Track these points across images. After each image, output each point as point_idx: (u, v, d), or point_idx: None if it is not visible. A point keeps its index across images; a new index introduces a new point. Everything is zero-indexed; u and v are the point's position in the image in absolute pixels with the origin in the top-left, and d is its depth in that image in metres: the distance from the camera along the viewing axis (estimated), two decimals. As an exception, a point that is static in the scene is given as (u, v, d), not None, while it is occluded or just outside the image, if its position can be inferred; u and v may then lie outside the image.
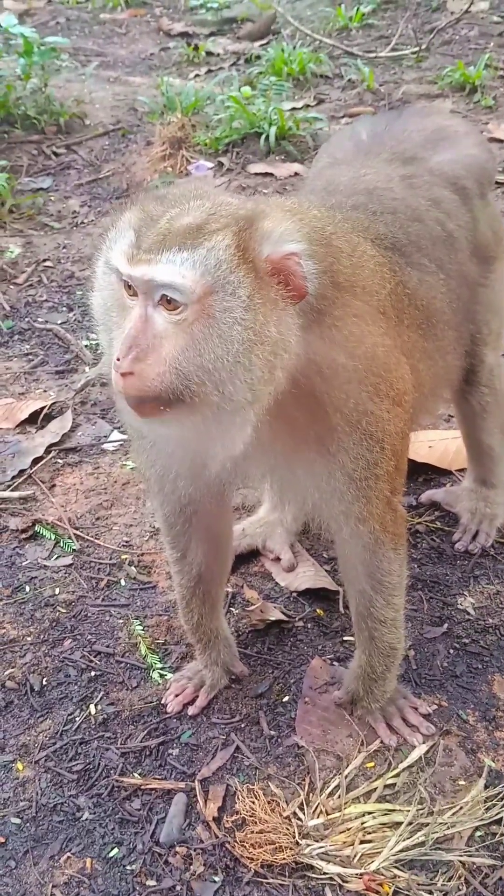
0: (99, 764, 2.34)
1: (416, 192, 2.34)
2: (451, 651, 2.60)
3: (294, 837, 2.14)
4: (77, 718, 2.46)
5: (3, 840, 2.18)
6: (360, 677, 2.34)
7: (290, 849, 2.12)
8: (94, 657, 2.63)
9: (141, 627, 2.70)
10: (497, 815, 2.18)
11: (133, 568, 2.91)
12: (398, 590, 2.19)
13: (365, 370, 1.82)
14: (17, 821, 2.22)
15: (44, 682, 2.56)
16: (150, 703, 2.49)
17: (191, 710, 2.46)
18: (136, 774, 2.31)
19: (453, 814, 2.19)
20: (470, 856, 2.11)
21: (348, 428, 1.84)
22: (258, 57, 7.57)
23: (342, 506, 1.95)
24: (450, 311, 2.30)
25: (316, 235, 1.77)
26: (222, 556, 2.42)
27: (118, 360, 1.59)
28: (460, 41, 8.13)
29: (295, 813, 2.19)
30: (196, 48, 8.11)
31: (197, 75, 7.60)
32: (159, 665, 2.59)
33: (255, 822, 2.17)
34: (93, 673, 2.58)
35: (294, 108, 6.34)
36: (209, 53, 8.14)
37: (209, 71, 7.71)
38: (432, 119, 2.59)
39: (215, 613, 2.46)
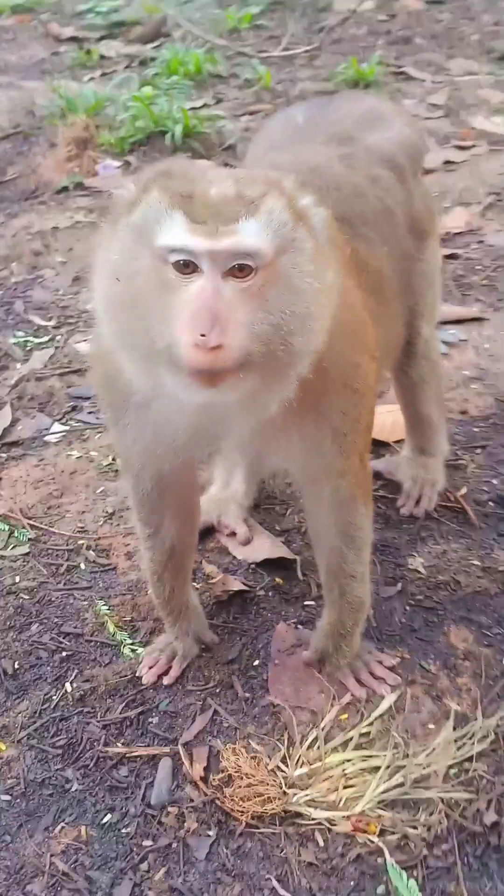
0: (82, 737, 2.38)
1: (356, 170, 2.46)
2: (408, 608, 2.74)
3: (280, 788, 2.22)
4: (54, 697, 2.49)
5: (-5, 817, 2.21)
6: (329, 634, 2.45)
7: (278, 799, 2.20)
8: (64, 638, 2.66)
9: (106, 607, 2.75)
10: (468, 752, 2.30)
11: (91, 552, 2.95)
12: (367, 544, 2.31)
13: (352, 322, 1.93)
14: (7, 797, 2.25)
15: (16, 666, 2.58)
16: (125, 676, 2.54)
17: (166, 680, 2.52)
18: (119, 744, 2.37)
19: (427, 755, 2.31)
20: (447, 792, 2.23)
21: (339, 384, 1.94)
22: (153, 59, 7.64)
23: (325, 461, 2.04)
24: (395, 282, 2.44)
25: None
26: (192, 528, 2.49)
27: (203, 336, 1.58)
28: (350, 39, 8.39)
29: (278, 766, 2.28)
30: (88, 52, 8.14)
31: (92, 78, 7.62)
32: (129, 641, 2.64)
33: (242, 777, 2.25)
34: (64, 653, 2.62)
35: (194, 108, 6.45)
36: (102, 57, 8.18)
37: (104, 74, 7.75)
38: (364, 102, 2.73)
39: (186, 585, 2.53)
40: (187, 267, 1.64)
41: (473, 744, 2.32)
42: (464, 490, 3.16)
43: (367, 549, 2.33)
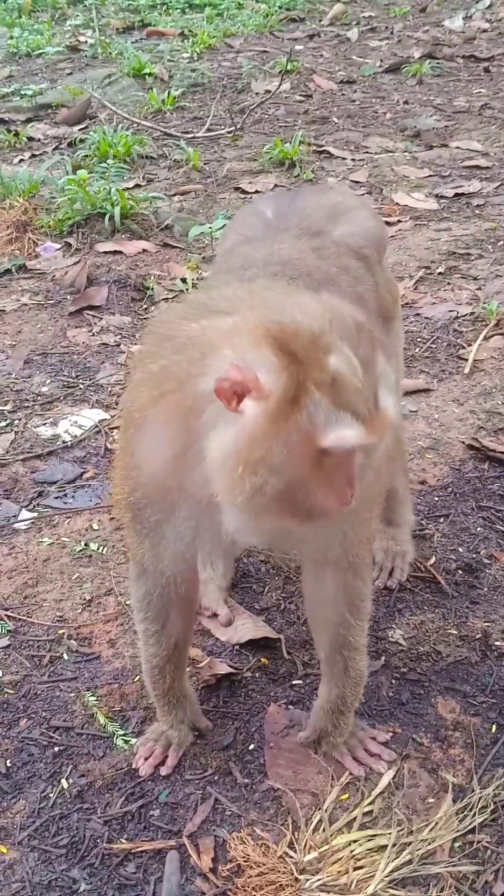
0: (84, 835, 2.35)
1: (327, 261, 2.56)
2: (394, 681, 2.79)
3: (292, 874, 2.23)
4: (51, 795, 2.45)
5: (3, 926, 2.15)
6: (329, 712, 2.48)
7: (291, 886, 2.20)
8: (54, 733, 2.63)
9: (94, 698, 2.72)
10: (470, 824, 2.35)
11: (73, 641, 2.93)
12: (368, 615, 2.38)
13: None
14: (14, 904, 2.20)
15: (8, 764, 2.54)
16: (121, 769, 2.52)
17: (163, 771, 2.51)
18: (123, 840, 2.34)
19: (431, 830, 2.34)
20: (454, 865, 2.26)
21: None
22: (81, 140, 7.76)
23: (359, 528, 2.10)
24: (369, 363, 2.53)
25: None
26: (193, 618, 2.52)
27: (352, 495, 1.75)
28: (270, 119, 8.67)
29: (286, 852, 2.29)
30: (17, 134, 8.23)
31: (22, 160, 7.70)
32: (121, 732, 2.62)
33: (252, 867, 2.25)
34: (56, 748, 2.58)
35: (126, 189, 6.56)
36: (30, 139, 8.27)
37: (33, 155, 7.84)
38: (328, 196, 2.85)
39: (184, 675, 2.54)
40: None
41: (474, 815, 2.37)
42: (433, 559, 3.24)
43: (368, 620, 2.39)
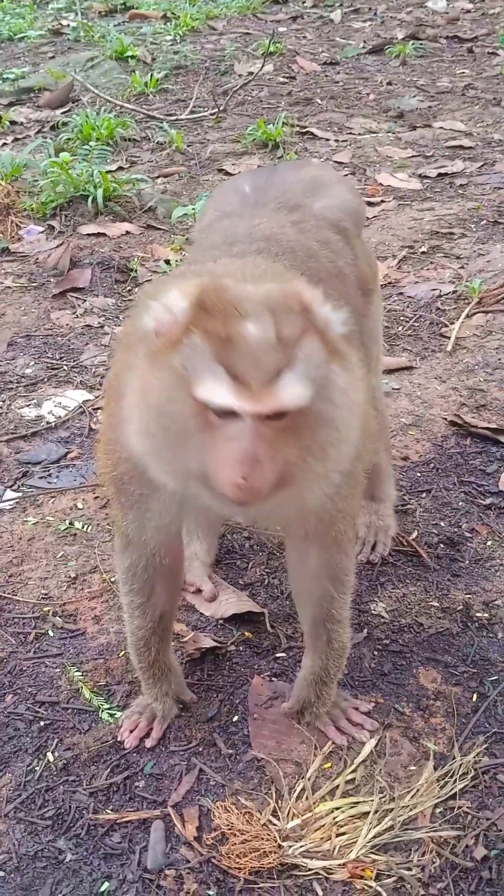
0: (70, 806, 2.37)
1: (307, 234, 2.57)
2: (376, 653, 2.81)
3: (275, 841, 2.26)
4: (37, 768, 2.48)
5: (-9, 895, 2.18)
6: (313, 683, 2.51)
7: (274, 852, 2.24)
8: (40, 708, 2.65)
9: (79, 673, 2.74)
10: (451, 790, 2.38)
11: (58, 618, 2.95)
12: (351, 589, 2.40)
13: None
14: (1, 873, 2.22)
15: (-6, 739, 2.56)
16: (106, 742, 2.54)
17: (148, 743, 2.53)
18: (108, 811, 2.36)
19: (412, 796, 2.38)
20: (436, 831, 2.30)
21: None
22: (64, 124, 7.73)
23: (340, 506, 2.11)
24: (355, 338, 2.54)
25: None
26: (178, 592, 2.54)
27: (244, 479, 1.63)
28: (253, 101, 8.65)
29: (270, 820, 2.32)
30: (-1, 118, 8.19)
31: (5, 144, 7.67)
32: (106, 706, 2.64)
33: (236, 834, 2.28)
34: (42, 723, 2.60)
35: (109, 171, 6.55)
36: (13, 122, 8.23)
37: (16, 139, 7.81)
38: (306, 170, 2.85)
39: (168, 648, 2.56)
40: (228, 414, 1.67)
41: (455, 781, 2.40)
42: (414, 534, 3.27)
43: (351, 593, 2.41)
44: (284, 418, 1.68)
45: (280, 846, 2.25)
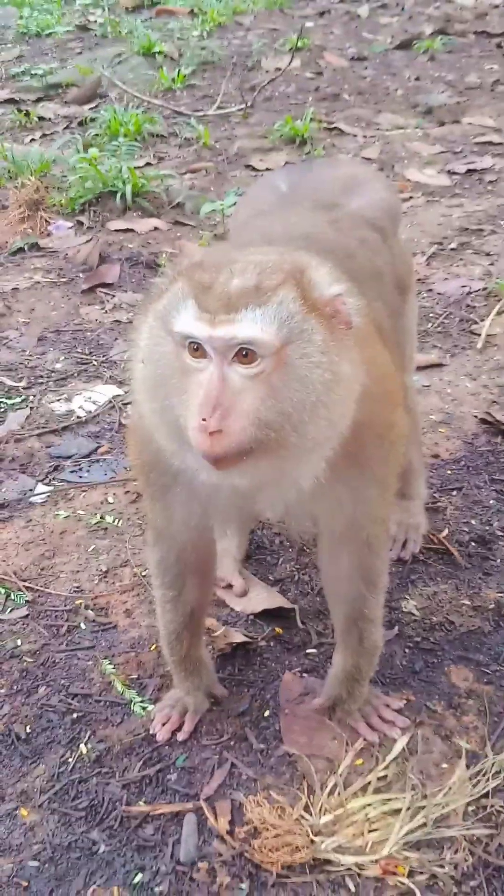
0: (103, 798, 2.39)
1: (345, 233, 2.57)
2: (407, 650, 2.81)
3: (308, 836, 2.26)
4: (70, 760, 2.49)
5: (26, 884, 2.19)
6: (344, 680, 2.51)
7: (307, 847, 2.24)
8: (73, 700, 2.67)
9: (111, 666, 2.76)
10: (483, 789, 2.37)
11: (90, 611, 2.97)
12: (384, 589, 2.40)
13: (383, 385, 2.01)
14: (35, 863, 2.24)
15: (28, 730, 2.58)
16: (139, 735, 2.56)
17: (180, 736, 2.54)
18: (141, 803, 2.38)
19: (444, 794, 2.37)
20: (468, 829, 2.29)
21: (377, 439, 2.03)
22: (91, 119, 7.76)
23: (369, 509, 2.11)
24: (391, 335, 2.54)
25: None
26: (210, 587, 2.56)
27: (203, 420, 1.66)
28: (280, 97, 8.65)
29: (302, 815, 2.32)
30: (27, 113, 8.22)
31: (33, 139, 7.71)
32: (139, 699, 2.66)
33: (268, 829, 2.28)
34: (75, 715, 2.62)
35: (137, 167, 6.57)
36: (41, 118, 8.27)
37: (44, 135, 7.85)
38: (343, 168, 2.86)
39: (200, 643, 2.57)
40: (199, 351, 1.73)
41: (488, 780, 2.40)
42: (445, 532, 3.27)
43: (384, 593, 2.41)
44: (254, 363, 1.69)
45: (312, 841, 2.25)
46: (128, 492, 3.49)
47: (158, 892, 2.18)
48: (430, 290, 5.05)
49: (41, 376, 4.32)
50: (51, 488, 3.51)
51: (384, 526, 2.28)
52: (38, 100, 8.84)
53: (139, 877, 2.21)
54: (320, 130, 7.63)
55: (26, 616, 2.95)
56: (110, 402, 4.09)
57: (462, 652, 2.79)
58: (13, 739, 2.55)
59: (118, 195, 5.92)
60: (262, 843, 2.25)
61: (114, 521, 3.34)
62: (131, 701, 2.65)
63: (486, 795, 2.37)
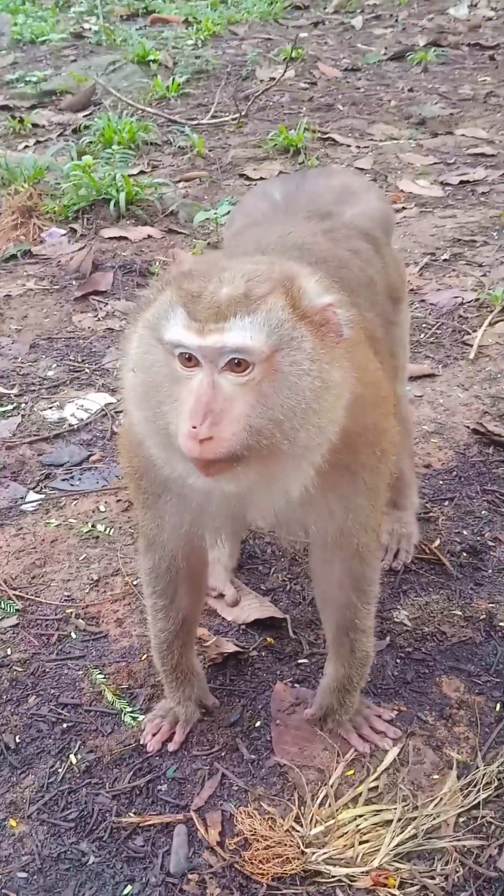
0: (93, 809, 2.38)
1: (338, 244, 2.57)
2: (398, 660, 2.81)
3: (298, 848, 2.25)
4: (59, 770, 2.48)
5: (14, 895, 2.18)
6: (335, 691, 2.50)
7: (297, 859, 2.23)
8: (62, 709, 2.65)
9: (102, 676, 2.75)
10: (475, 800, 2.37)
11: (80, 620, 2.95)
12: (375, 599, 2.40)
13: (374, 393, 2.02)
14: (24, 875, 2.23)
15: (17, 740, 2.57)
16: (129, 745, 2.55)
17: (171, 747, 2.53)
18: (131, 814, 2.36)
19: (435, 805, 2.37)
20: (459, 840, 2.29)
21: (368, 447, 2.03)
22: (86, 127, 7.77)
23: (360, 517, 2.11)
24: (384, 344, 2.55)
25: None
26: (201, 597, 2.55)
27: (194, 427, 1.67)
28: (274, 107, 8.66)
29: (293, 826, 2.31)
30: (21, 120, 8.22)
31: (27, 146, 7.71)
32: (129, 709, 2.65)
33: (259, 840, 2.28)
34: (64, 725, 2.61)
35: (131, 175, 6.57)
36: (34, 125, 8.27)
37: (38, 142, 7.85)
38: (336, 178, 2.86)
39: (192, 652, 2.57)
40: (190, 360, 1.75)
41: (478, 791, 2.40)
42: (437, 542, 3.27)
43: (375, 603, 2.41)
44: (245, 371, 1.71)
45: (303, 853, 2.25)
46: (119, 500, 3.48)
47: (148, 903, 2.17)
48: (423, 301, 5.06)
49: (33, 384, 4.31)
50: (42, 496, 3.50)
51: (375, 535, 2.28)
52: (33, 107, 8.84)
53: (129, 888, 2.20)
54: (314, 140, 7.64)
55: (16, 625, 2.94)
56: (102, 410, 4.08)
57: (453, 662, 2.79)
58: (2, 749, 2.54)
59: (112, 203, 5.92)
60: (252, 854, 2.25)
61: (105, 530, 3.33)
62: (122, 711, 2.64)
63: (476, 806, 2.37)
